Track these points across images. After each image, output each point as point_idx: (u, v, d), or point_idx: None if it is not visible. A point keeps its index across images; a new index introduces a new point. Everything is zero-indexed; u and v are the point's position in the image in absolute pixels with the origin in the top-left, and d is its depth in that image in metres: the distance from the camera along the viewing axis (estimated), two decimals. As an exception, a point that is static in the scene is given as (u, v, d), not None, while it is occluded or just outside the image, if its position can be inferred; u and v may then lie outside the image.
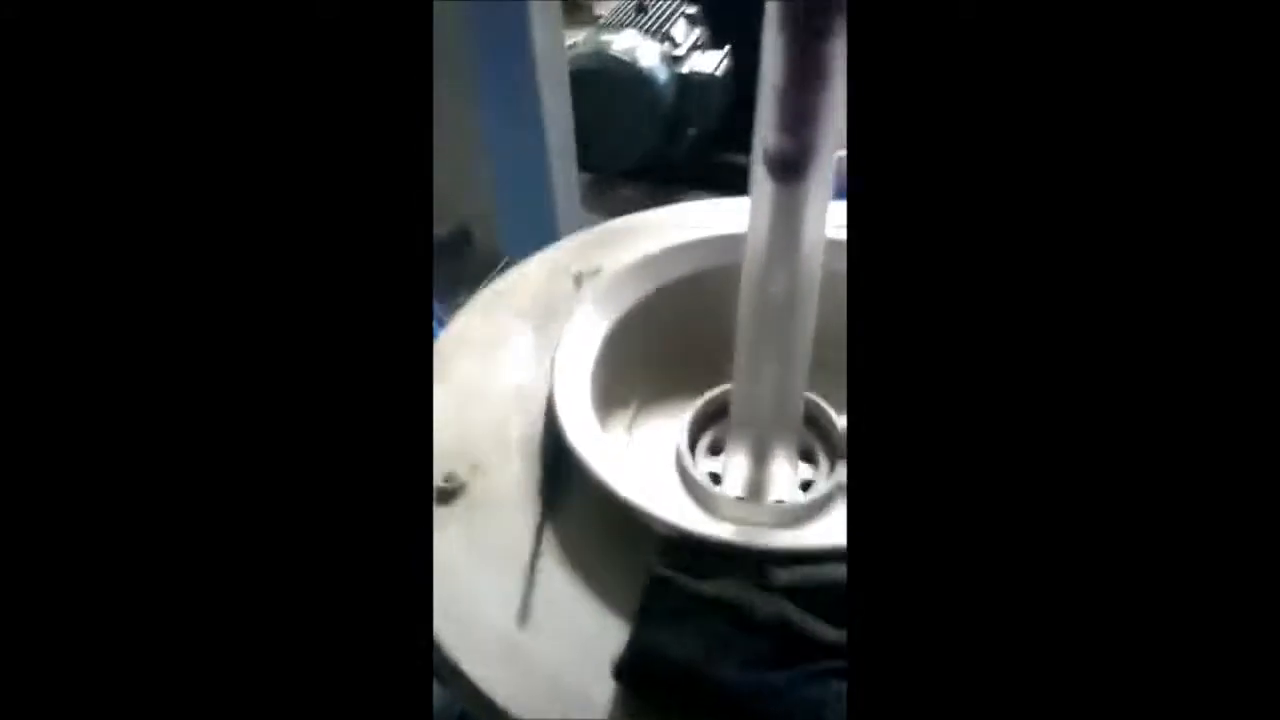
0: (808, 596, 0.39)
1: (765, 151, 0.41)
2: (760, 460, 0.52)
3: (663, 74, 1.61)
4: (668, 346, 0.58)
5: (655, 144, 1.64)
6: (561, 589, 0.44)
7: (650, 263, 0.56)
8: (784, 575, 0.40)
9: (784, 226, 0.43)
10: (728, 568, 0.41)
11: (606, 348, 0.53)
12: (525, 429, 0.51)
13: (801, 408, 0.51)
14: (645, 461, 0.55)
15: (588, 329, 0.53)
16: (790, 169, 0.41)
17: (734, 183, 1.77)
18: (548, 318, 0.58)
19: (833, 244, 0.43)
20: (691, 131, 1.66)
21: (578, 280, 0.61)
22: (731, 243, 0.58)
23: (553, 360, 0.50)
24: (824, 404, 0.55)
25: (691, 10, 1.71)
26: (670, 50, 1.64)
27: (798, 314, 0.46)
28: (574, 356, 0.51)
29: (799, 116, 0.40)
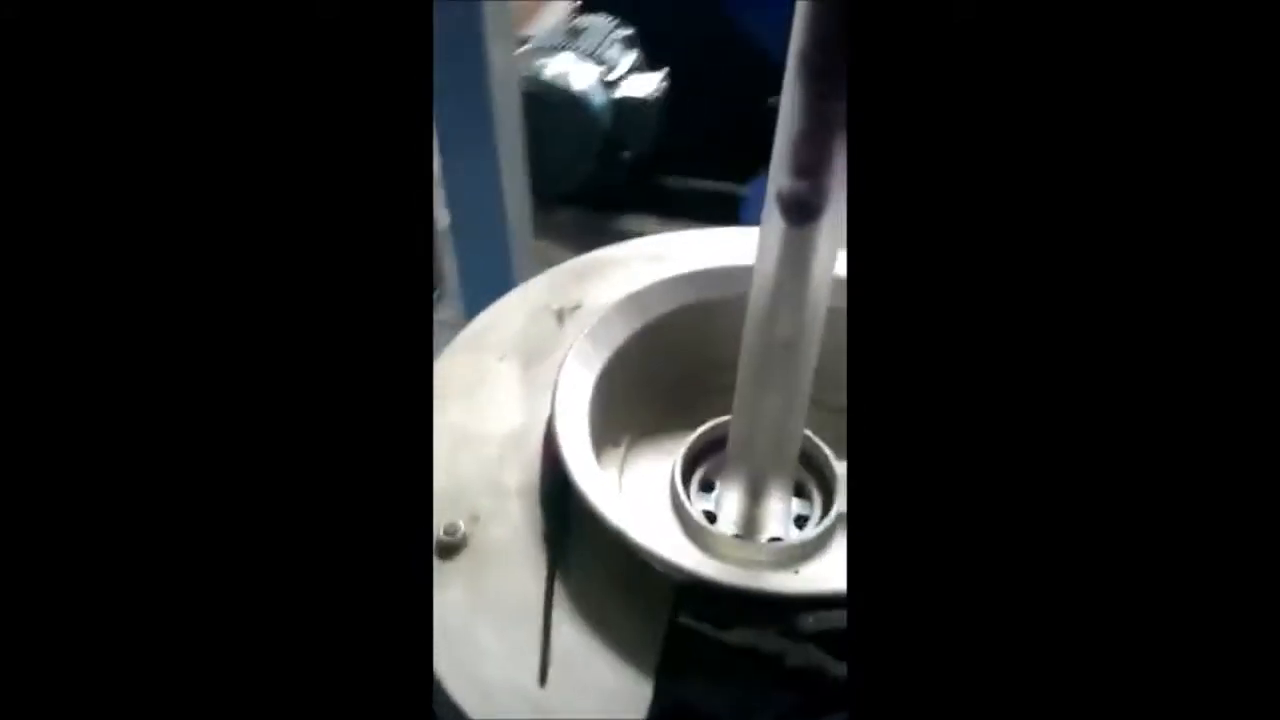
0: (835, 642, 0.39)
1: (779, 193, 0.41)
2: (757, 498, 0.52)
3: (598, 97, 1.61)
4: (657, 383, 0.57)
5: (592, 168, 1.64)
6: (576, 642, 0.42)
7: (637, 299, 0.56)
8: (811, 621, 0.40)
9: (794, 268, 0.43)
10: (750, 615, 0.41)
11: (599, 387, 0.52)
12: (522, 475, 0.50)
13: (799, 445, 0.51)
14: (639, 502, 0.55)
15: (582, 370, 0.52)
16: (803, 211, 0.41)
17: (671, 206, 1.78)
18: (533, 358, 0.57)
19: (835, 282, 0.44)
20: (628, 155, 1.66)
21: (560, 317, 0.60)
22: (717, 277, 0.58)
23: (553, 403, 0.49)
24: (815, 438, 0.55)
25: (627, 33, 1.72)
26: (606, 74, 1.64)
27: (802, 354, 0.46)
28: (571, 399, 0.50)
29: (814, 160, 0.40)
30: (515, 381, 0.56)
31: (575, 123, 1.59)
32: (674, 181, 1.67)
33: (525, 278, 0.65)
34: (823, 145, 0.39)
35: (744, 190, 1.61)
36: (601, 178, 1.66)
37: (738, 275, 0.54)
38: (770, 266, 0.44)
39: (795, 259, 0.43)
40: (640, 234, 0.69)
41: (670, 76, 1.67)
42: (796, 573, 0.50)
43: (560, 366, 0.51)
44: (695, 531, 0.51)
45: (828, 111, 0.39)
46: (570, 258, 0.66)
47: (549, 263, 0.66)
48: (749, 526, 0.53)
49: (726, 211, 1.65)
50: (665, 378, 0.57)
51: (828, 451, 0.55)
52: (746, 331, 0.47)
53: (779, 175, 0.41)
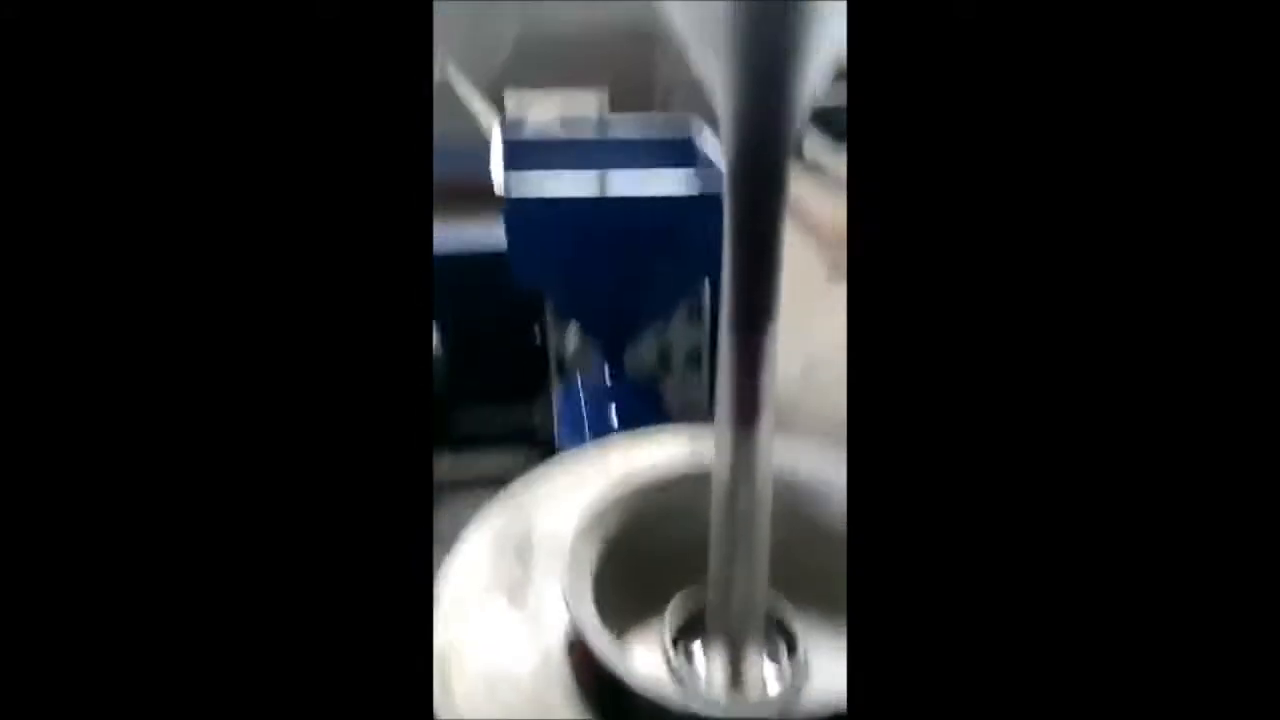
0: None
1: (726, 404, 0.56)
2: (739, 658, 0.63)
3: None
4: (626, 584, 0.68)
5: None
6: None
7: (598, 519, 0.67)
8: None
9: (745, 461, 0.57)
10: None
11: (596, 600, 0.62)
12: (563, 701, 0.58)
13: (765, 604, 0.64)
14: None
15: (580, 590, 0.61)
16: (747, 417, 0.56)
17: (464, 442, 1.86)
18: (514, 589, 0.66)
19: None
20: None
21: (519, 552, 0.69)
22: (656, 483, 0.70)
23: (577, 626, 0.58)
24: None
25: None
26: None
27: (758, 524, 0.60)
28: (588, 617, 0.59)
29: (749, 394, 0.55)
30: (506, 619, 0.64)
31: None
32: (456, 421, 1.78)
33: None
34: (753, 381, 0.55)
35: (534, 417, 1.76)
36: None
37: (662, 474, 0.68)
38: (725, 463, 0.58)
39: (745, 455, 0.57)
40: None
41: (446, 332, 1.78)
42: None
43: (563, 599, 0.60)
44: (699, 702, 0.61)
45: (753, 348, 0.54)
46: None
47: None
48: (738, 685, 0.63)
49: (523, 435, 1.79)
50: (636, 576, 0.68)
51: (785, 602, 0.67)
52: (714, 516, 0.60)
53: (722, 391, 0.56)
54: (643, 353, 1.84)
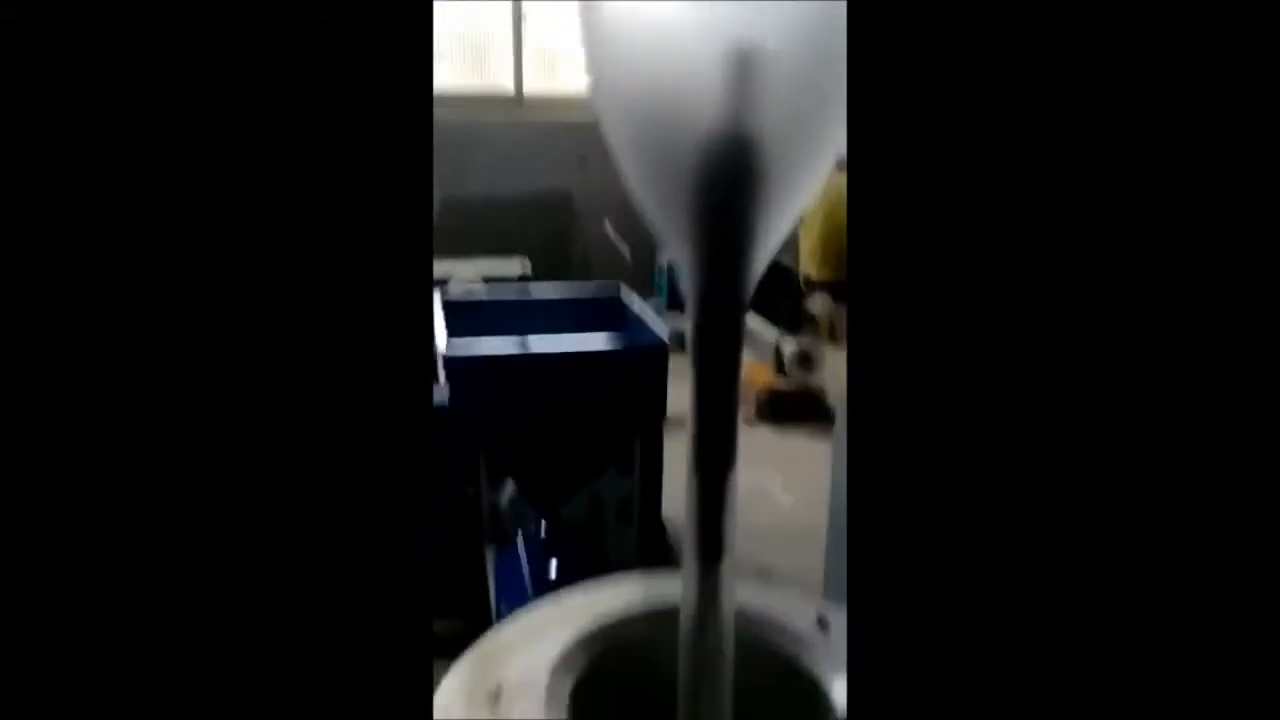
0: None
1: (691, 542, 0.61)
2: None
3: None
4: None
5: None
6: None
7: (570, 659, 0.70)
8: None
9: (710, 596, 0.62)
10: None
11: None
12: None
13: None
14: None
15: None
16: (712, 554, 0.61)
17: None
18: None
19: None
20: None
21: (494, 698, 0.71)
22: (622, 622, 0.74)
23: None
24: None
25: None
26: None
27: (724, 656, 0.64)
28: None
29: (714, 532, 0.61)
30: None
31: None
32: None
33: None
34: (716, 523, 0.60)
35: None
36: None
37: (637, 618, 0.71)
38: (691, 599, 0.62)
39: (710, 592, 0.62)
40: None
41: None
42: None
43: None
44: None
45: (715, 491, 0.60)
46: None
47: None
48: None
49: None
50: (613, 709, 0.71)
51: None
52: (681, 652, 0.64)
53: (692, 537, 0.61)
54: (574, 509, 1.88)
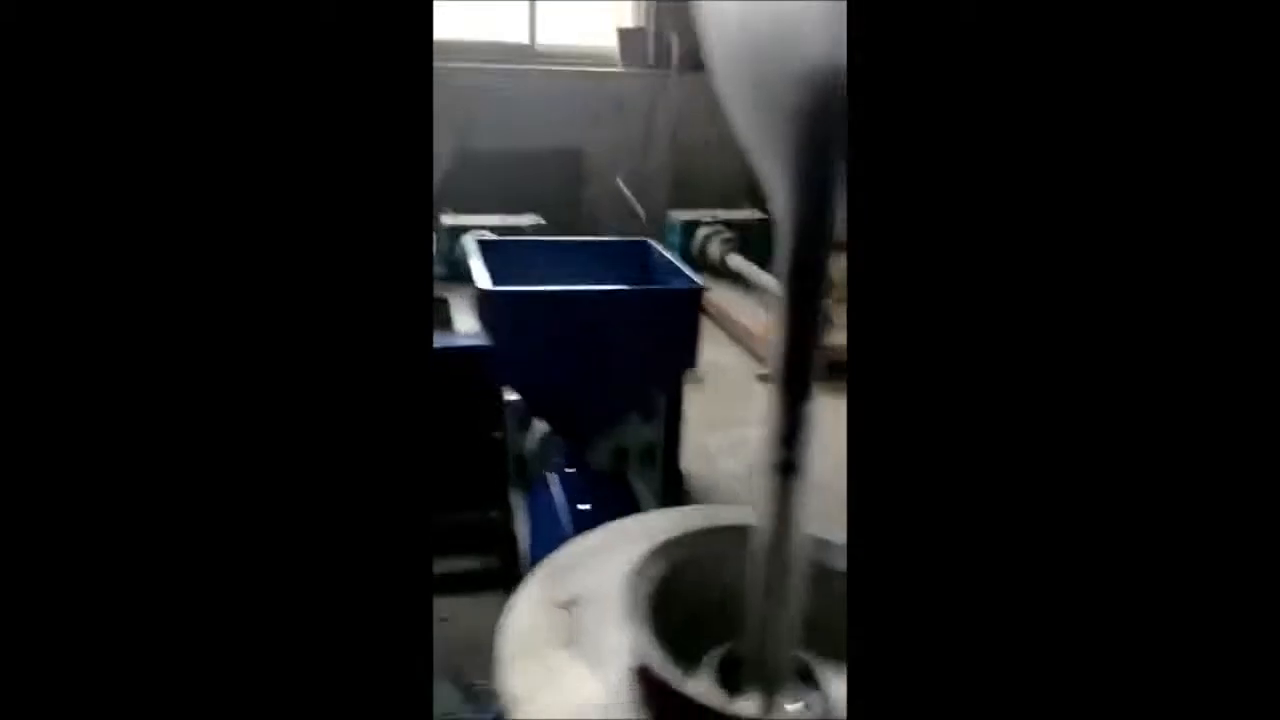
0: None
1: (774, 462, 0.65)
2: (772, 701, 0.70)
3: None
4: (666, 637, 0.74)
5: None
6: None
7: (643, 570, 0.74)
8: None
9: (785, 511, 0.66)
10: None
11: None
12: None
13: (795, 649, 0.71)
14: None
15: (641, 631, 0.68)
16: (789, 469, 0.65)
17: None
18: (571, 640, 0.72)
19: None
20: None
21: (568, 609, 0.75)
22: (692, 538, 0.77)
23: (646, 659, 0.64)
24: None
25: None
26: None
27: (796, 571, 0.68)
28: (653, 651, 0.65)
29: (791, 450, 0.64)
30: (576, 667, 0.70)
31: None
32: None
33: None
34: (796, 419, 0.64)
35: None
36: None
37: (703, 534, 0.76)
38: (769, 511, 0.66)
39: (785, 504, 0.66)
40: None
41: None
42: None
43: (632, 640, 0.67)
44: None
45: (800, 408, 0.64)
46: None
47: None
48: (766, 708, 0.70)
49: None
50: (667, 631, 0.75)
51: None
52: (752, 565, 0.67)
53: (772, 450, 0.65)
54: (599, 454, 1.91)
